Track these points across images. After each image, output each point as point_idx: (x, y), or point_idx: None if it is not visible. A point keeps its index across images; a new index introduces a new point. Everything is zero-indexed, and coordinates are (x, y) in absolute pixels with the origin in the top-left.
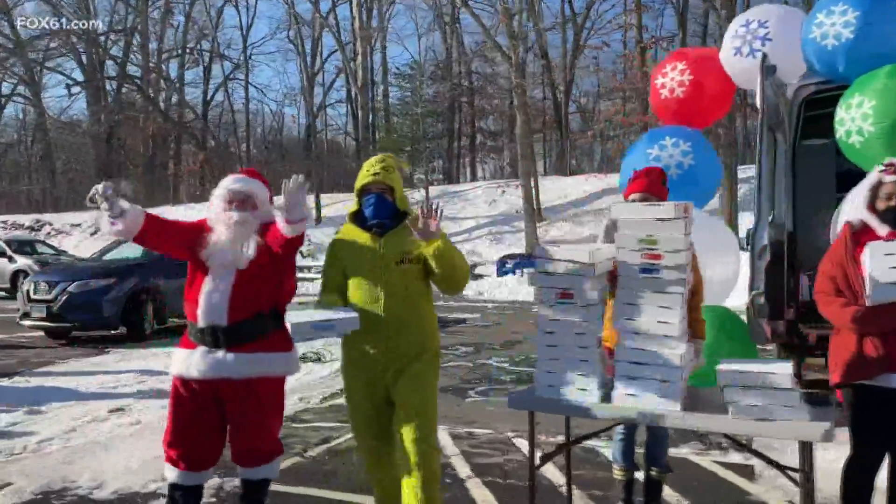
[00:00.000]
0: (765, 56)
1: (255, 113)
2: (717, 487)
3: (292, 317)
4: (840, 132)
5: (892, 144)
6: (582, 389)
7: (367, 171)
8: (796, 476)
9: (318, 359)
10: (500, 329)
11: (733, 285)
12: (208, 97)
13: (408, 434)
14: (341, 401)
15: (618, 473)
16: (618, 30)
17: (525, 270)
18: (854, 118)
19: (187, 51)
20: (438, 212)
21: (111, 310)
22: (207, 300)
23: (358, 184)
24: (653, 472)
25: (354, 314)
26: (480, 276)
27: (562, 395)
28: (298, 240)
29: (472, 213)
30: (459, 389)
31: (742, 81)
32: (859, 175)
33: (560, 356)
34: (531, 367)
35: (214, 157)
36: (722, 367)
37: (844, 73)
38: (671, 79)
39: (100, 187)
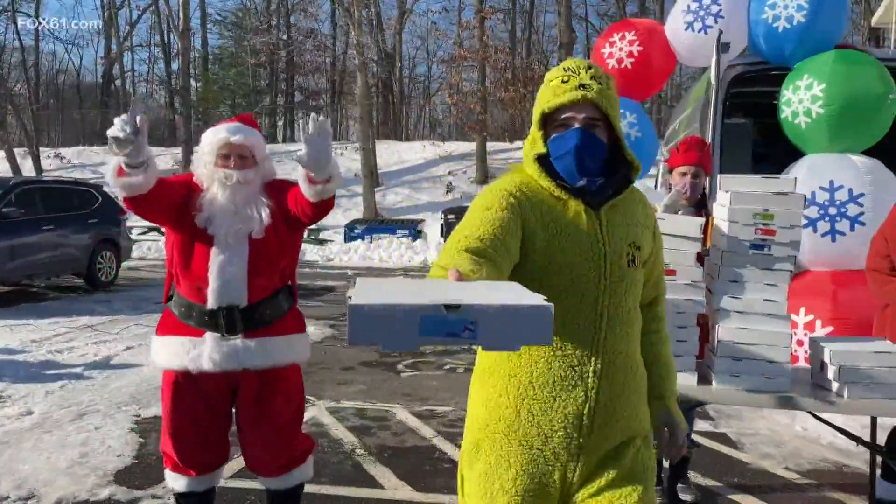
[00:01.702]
0: (720, 32)
1: (45, 52)
2: (714, 458)
3: (362, 292)
4: (786, 113)
5: (840, 127)
6: (678, 371)
7: (566, 82)
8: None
9: None
10: None
11: None
12: None
13: None
14: None
15: None
16: None
17: (373, 236)
18: (802, 100)
19: None
20: None
21: None
22: (221, 275)
23: (547, 104)
24: None
25: (547, 304)
26: (325, 242)
27: None
28: (328, 204)
29: None
30: (386, 364)
31: (687, 57)
32: (769, 157)
33: None
34: None
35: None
36: (831, 345)
37: (790, 56)
38: (619, 49)
39: (127, 121)
